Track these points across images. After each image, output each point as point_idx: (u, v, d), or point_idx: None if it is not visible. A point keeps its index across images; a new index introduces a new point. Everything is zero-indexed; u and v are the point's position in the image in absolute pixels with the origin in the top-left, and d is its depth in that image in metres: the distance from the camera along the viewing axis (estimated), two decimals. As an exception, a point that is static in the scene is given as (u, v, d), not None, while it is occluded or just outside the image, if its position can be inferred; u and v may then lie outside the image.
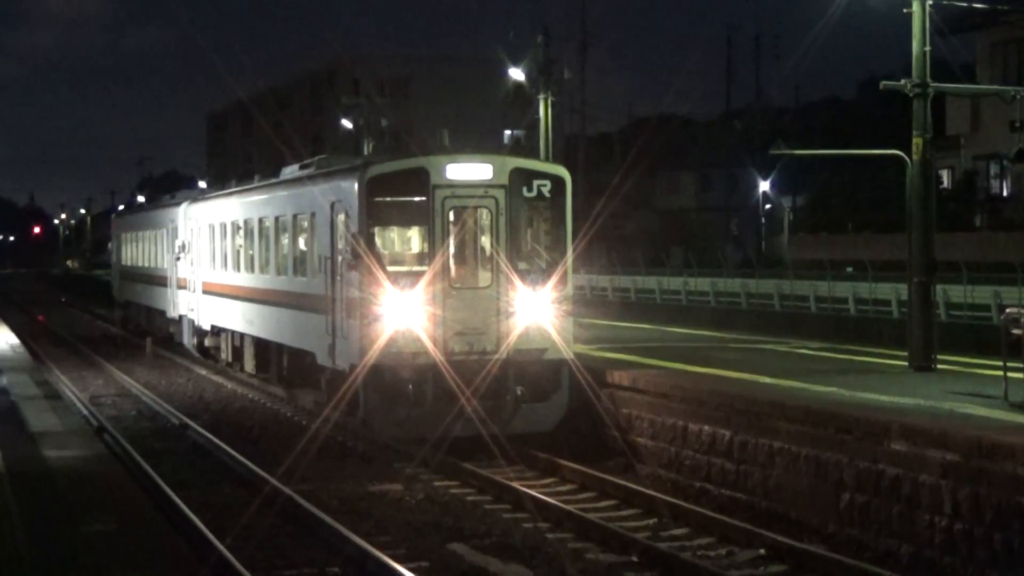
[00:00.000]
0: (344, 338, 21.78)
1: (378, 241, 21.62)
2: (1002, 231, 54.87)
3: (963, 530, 14.84)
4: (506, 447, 20.36)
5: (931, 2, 22.90)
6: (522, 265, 21.41)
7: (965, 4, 29.12)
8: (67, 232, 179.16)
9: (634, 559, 15.52)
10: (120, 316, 54.25)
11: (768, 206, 79.46)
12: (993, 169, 60.09)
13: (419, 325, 20.52)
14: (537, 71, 43.84)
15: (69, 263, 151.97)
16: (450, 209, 21.19)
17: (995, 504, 14.47)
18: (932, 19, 23.24)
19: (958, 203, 58.19)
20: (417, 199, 21.20)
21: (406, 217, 22.17)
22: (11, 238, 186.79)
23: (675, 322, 39.02)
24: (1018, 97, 42.63)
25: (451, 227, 21.24)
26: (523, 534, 16.63)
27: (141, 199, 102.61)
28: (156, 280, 42.78)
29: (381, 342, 20.39)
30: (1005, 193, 59.40)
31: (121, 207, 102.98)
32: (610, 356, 24.92)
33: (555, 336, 21.25)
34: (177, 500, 17.47)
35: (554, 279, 21.36)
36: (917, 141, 22.96)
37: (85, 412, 26.65)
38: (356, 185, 21.38)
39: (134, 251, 49.30)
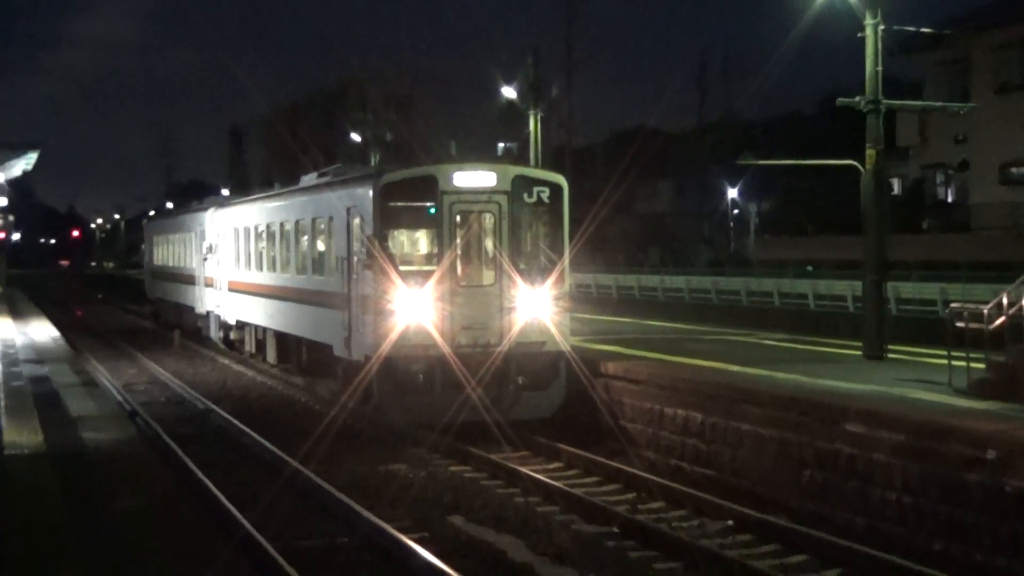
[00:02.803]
0: (359, 332, 21.76)
1: (390, 243, 21.51)
2: (947, 233, 55.02)
3: (912, 504, 14.90)
4: (508, 432, 20.34)
5: (882, 27, 22.94)
6: (523, 265, 21.36)
7: (913, 28, 29.11)
8: (102, 235, 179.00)
9: (615, 530, 15.54)
10: (151, 311, 54.19)
11: (736, 211, 79.52)
12: (939, 177, 60.26)
13: (428, 320, 20.50)
14: (528, 89, 43.82)
15: (106, 263, 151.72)
16: (457, 213, 21.14)
17: (940, 480, 14.52)
18: (883, 42, 23.26)
19: (908, 208, 58.27)
20: (427, 204, 21.18)
21: (416, 220, 22.05)
22: (52, 240, 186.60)
23: (652, 316, 39.06)
24: (961, 113, 42.88)
25: (458, 230, 21.17)
26: (515, 508, 16.68)
27: (169, 205, 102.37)
28: (185, 279, 42.77)
29: (394, 335, 20.36)
30: (950, 199, 59.56)
31: (152, 212, 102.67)
32: (595, 347, 24.92)
33: (553, 330, 21.24)
34: (203, 477, 17.51)
35: (552, 278, 21.36)
36: (870, 152, 23.01)
37: (119, 398, 26.63)
38: (371, 191, 21.35)
39: (165, 252, 49.23)
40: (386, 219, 21.23)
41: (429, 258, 21.72)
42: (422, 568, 13.13)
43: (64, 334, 36.00)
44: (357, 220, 21.90)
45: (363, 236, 21.46)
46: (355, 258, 22.00)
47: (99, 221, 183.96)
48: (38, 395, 19.66)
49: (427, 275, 20.85)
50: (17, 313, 42.79)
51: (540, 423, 21.22)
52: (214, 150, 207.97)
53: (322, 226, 25.16)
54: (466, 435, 20.35)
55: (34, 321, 39.15)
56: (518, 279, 21.02)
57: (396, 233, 21.99)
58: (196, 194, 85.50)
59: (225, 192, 76.25)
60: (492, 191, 21.34)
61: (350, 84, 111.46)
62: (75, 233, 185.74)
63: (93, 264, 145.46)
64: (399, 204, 21.36)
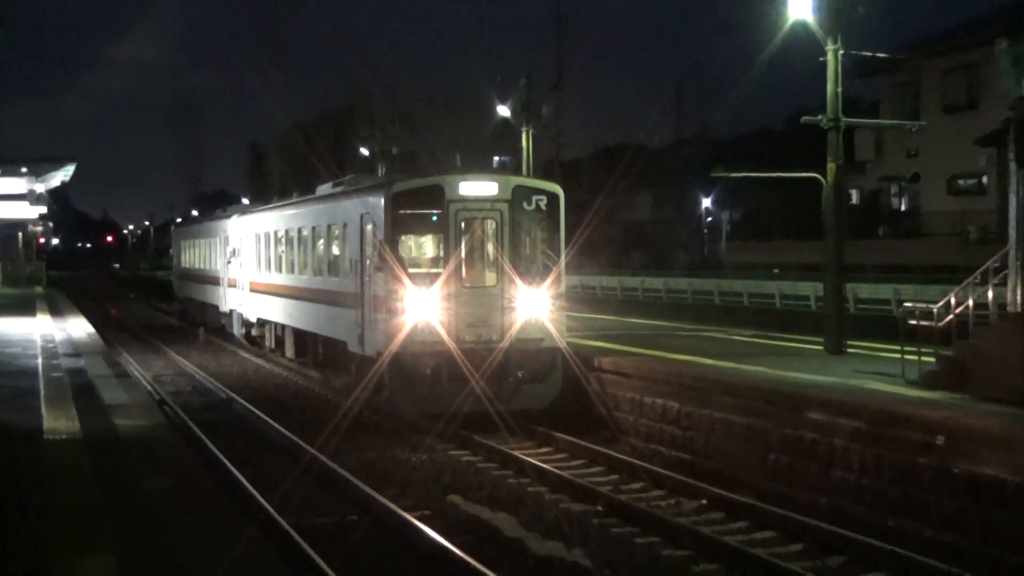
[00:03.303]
0: (372, 329, 21.61)
1: (400, 247, 21.35)
2: (900, 240, 55.10)
3: (868, 484, 14.93)
4: (508, 421, 20.22)
5: (842, 51, 22.93)
6: (522, 267, 21.21)
7: (870, 54, 29.11)
8: (134, 240, 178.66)
9: (599, 508, 15.55)
10: (179, 310, 54.08)
11: (710, 218, 79.56)
12: (893, 188, 60.35)
13: (435, 318, 20.37)
14: (521, 108, 43.82)
15: (117, 266, 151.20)
16: (462, 220, 21.00)
17: (894, 463, 14.55)
18: (843, 65, 23.25)
19: (865, 216, 58.30)
20: (434, 211, 21.05)
21: (424, 226, 21.85)
22: (88, 245, 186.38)
23: (633, 314, 39.02)
24: (913, 130, 42.89)
25: (462, 235, 21.05)
26: (508, 488, 16.67)
27: (195, 213, 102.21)
28: (210, 280, 42.64)
29: (403, 332, 20.23)
30: (903, 208, 59.61)
31: (179, 220, 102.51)
32: (585, 343, 24.83)
33: (550, 328, 21.10)
34: (224, 460, 17.51)
35: (550, 279, 21.21)
36: (831, 166, 22.99)
37: (148, 388, 26.57)
38: (383, 200, 21.21)
39: (192, 256, 49.06)
40: (397, 225, 21.08)
41: (436, 261, 21.60)
42: (424, 543, 13.12)
43: (99, 330, 35.89)
44: (370, 226, 21.75)
45: (375, 241, 21.31)
46: (368, 261, 21.86)
47: (131, 227, 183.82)
48: (75, 385, 19.58)
49: (434, 277, 20.73)
50: (56, 311, 42.64)
51: (538, 413, 21.10)
52: (236, 162, 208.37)
53: (337, 232, 24.99)
54: (470, 424, 20.24)
55: (71, 318, 39.01)
56: (518, 280, 20.87)
57: (406, 238, 21.78)
58: (219, 203, 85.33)
59: (245, 201, 76.09)
60: (494, 199, 21.21)
61: (359, 103, 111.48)
62: (109, 238, 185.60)
63: (143, 267, 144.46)
64: (408, 211, 21.21)
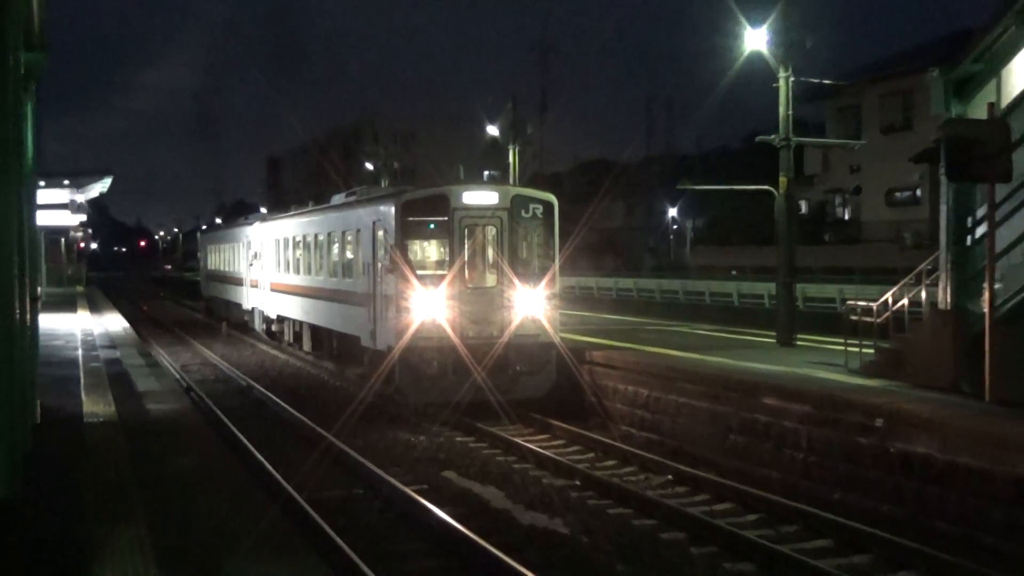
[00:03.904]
0: (383, 325, 21.38)
1: (410, 251, 21.13)
2: (844, 245, 55.30)
3: (816, 461, 14.98)
4: (506, 408, 20.07)
5: (792, 79, 23.02)
6: (520, 269, 20.99)
7: (817, 80, 29.18)
8: (164, 245, 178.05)
9: (577, 483, 15.57)
10: (205, 307, 53.88)
11: (676, 226, 79.66)
12: (838, 200, 60.57)
13: (441, 316, 20.19)
14: (508, 128, 43.83)
15: (168, 267, 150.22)
16: (465, 226, 20.82)
17: (838, 443, 14.60)
18: (793, 90, 23.32)
19: (812, 224, 58.51)
20: (440, 218, 20.83)
21: (431, 232, 21.56)
22: (123, 249, 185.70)
23: (608, 311, 39.00)
24: (855, 148, 42.94)
25: (466, 240, 20.86)
26: (496, 465, 16.69)
27: (218, 220, 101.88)
28: (234, 280, 42.43)
29: (412, 329, 20.03)
30: (846, 217, 59.82)
31: (204, 227, 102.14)
32: (567, 336, 24.82)
33: (546, 324, 20.91)
34: (244, 440, 17.49)
35: (545, 280, 21.00)
36: (782, 179, 23.03)
37: (177, 376, 26.49)
38: (393, 208, 20.99)
39: (217, 259, 48.79)
40: (406, 231, 20.86)
41: (441, 264, 21.35)
42: (422, 513, 13.12)
43: (133, 325, 35.76)
44: (381, 232, 21.54)
45: (387, 245, 21.09)
46: (379, 264, 21.64)
47: (161, 233, 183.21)
48: (111, 374, 19.51)
49: (440, 278, 20.51)
50: (94, 307, 42.44)
51: (534, 401, 20.91)
52: (254, 175, 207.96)
53: (351, 237, 24.73)
54: (472, 412, 20.08)
55: (108, 314, 38.83)
56: (516, 282, 20.68)
57: (414, 242, 21.55)
58: (239, 212, 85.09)
59: (263, 210, 75.96)
60: (495, 208, 21.02)
61: (364, 123, 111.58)
62: (142, 243, 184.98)
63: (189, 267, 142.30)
64: (417, 218, 20.96)
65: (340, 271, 25.84)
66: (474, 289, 20.82)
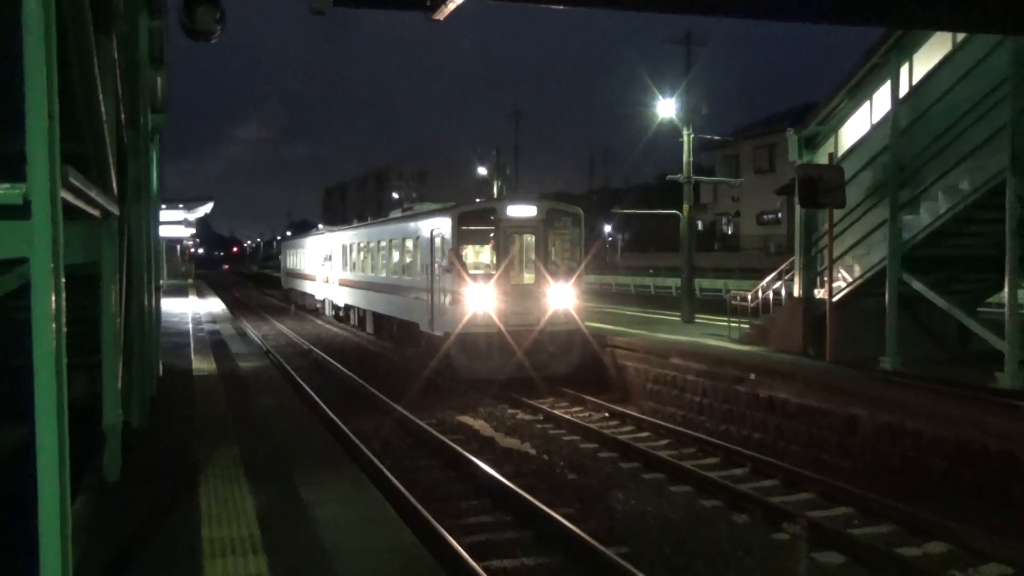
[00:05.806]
0: (441, 315, 19.44)
1: (463, 254, 19.33)
2: (728, 252, 55.49)
3: (708, 404, 15.02)
4: (541, 383, 18.12)
5: (692, 135, 23.11)
6: (553, 270, 19.18)
7: (709, 136, 29.30)
8: (250, 250, 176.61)
9: (540, 417, 15.36)
10: (284, 296, 53.00)
11: (610, 238, 79.68)
12: (724, 220, 60.78)
13: (490, 307, 18.32)
14: (493, 168, 43.74)
15: (254, 267, 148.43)
16: (509, 234, 19.02)
17: (723, 390, 14.65)
18: (693, 143, 23.41)
19: (706, 237, 58.66)
20: (488, 228, 19.08)
21: (481, 239, 19.66)
22: (221, 253, 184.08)
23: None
24: (735, 184, 42.91)
25: (510, 245, 19.04)
26: (523, 424, 16.24)
27: (288, 233, 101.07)
28: (308, 277, 40.80)
29: (466, 318, 18.24)
30: (730, 232, 60.08)
31: (279, 237, 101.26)
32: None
33: (574, 315, 18.94)
34: (306, 387, 17.36)
35: (573, 279, 19.07)
36: (685, 206, 23.11)
37: (259, 343, 26.24)
38: (450, 219, 19.17)
39: (294, 260, 47.17)
40: (461, 237, 19.09)
41: (489, 265, 19.54)
42: (429, 439, 13.01)
43: (228, 307, 35.46)
44: (439, 239, 19.72)
45: (445, 249, 19.22)
46: (436, 264, 19.75)
47: (248, 242, 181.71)
48: (213, 342, 19.34)
49: (488, 277, 18.69)
50: (200, 294, 42.08)
51: (563, 378, 18.65)
52: (313, 201, 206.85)
53: (410, 243, 22.70)
54: (513, 386, 18.04)
55: (210, 299, 38.51)
56: (550, 280, 18.84)
57: (467, 247, 19.67)
58: (304, 227, 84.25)
59: (320, 226, 75.47)
60: (534, 219, 19.07)
61: (391, 164, 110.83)
62: (235, 248, 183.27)
63: (253, 268, 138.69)
64: (470, 227, 19.22)
65: (401, 270, 23.74)
66: (516, 286, 18.90)
